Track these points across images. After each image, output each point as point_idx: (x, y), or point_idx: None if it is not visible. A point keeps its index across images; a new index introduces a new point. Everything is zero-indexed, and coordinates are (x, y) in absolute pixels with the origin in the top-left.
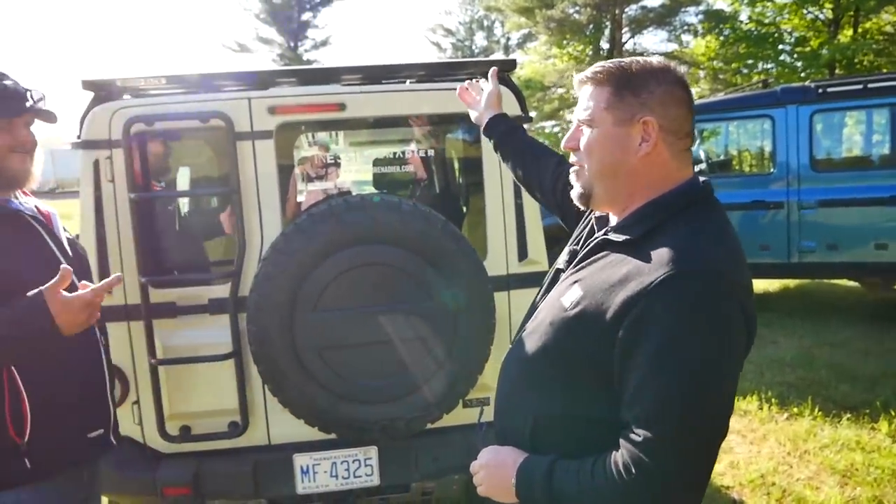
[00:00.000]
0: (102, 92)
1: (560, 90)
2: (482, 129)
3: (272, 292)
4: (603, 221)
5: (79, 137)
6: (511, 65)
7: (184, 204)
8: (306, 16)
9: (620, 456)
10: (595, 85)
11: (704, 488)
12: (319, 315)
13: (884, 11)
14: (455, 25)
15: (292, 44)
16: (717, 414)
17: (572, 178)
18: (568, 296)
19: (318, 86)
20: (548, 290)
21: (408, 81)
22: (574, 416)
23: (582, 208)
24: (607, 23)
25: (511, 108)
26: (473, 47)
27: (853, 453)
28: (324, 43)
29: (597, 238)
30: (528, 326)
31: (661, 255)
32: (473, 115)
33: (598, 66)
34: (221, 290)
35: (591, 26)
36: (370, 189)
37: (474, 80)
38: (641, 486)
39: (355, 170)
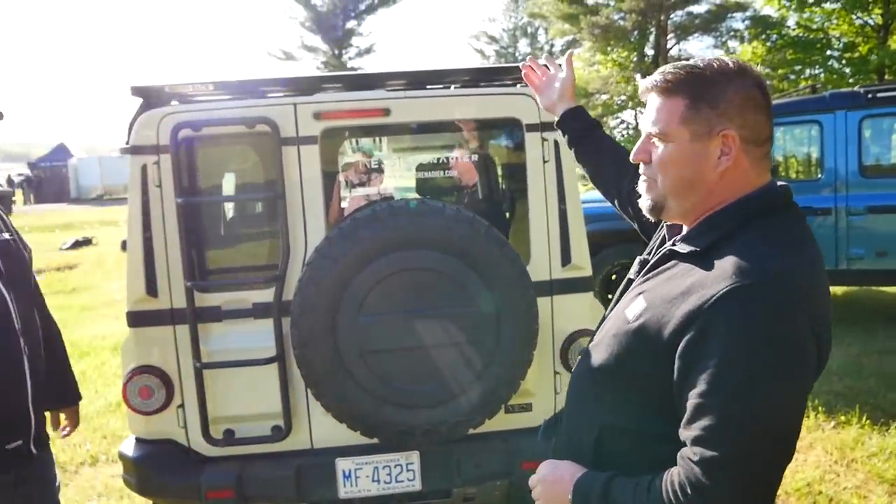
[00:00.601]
0: (151, 98)
1: (604, 96)
2: (556, 121)
3: (316, 296)
4: (674, 230)
5: (127, 143)
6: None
7: (229, 208)
8: (351, 24)
9: (677, 475)
10: (665, 95)
11: None
12: (363, 319)
13: None
14: (499, 32)
15: (337, 51)
16: (779, 436)
17: (642, 188)
18: (632, 308)
19: (362, 91)
20: (618, 301)
21: (452, 87)
22: (637, 430)
23: (652, 220)
24: (652, 29)
25: None
26: (517, 54)
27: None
28: (368, 51)
29: (665, 248)
30: (595, 338)
31: (726, 265)
32: (544, 101)
33: (669, 71)
34: (266, 295)
35: (635, 32)
36: (414, 195)
37: (543, 62)
38: None
39: (399, 176)
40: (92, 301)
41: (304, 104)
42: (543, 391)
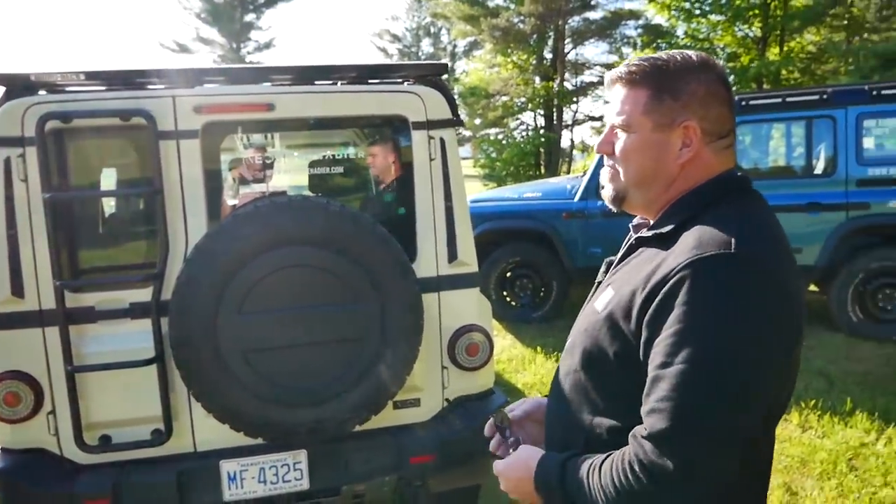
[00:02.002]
0: (15, 87)
1: (504, 98)
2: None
3: (196, 294)
4: (640, 228)
5: None
6: (442, 69)
7: (106, 205)
8: (249, 17)
9: (627, 452)
10: (630, 86)
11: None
12: (245, 318)
13: (806, 32)
14: (402, 31)
15: (234, 45)
16: (740, 412)
17: (604, 179)
18: (601, 299)
19: (246, 85)
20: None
21: (339, 83)
22: (628, 427)
23: (614, 210)
24: (550, 33)
25: (442, 112)
26: (420, 53)
27: None
28: (267, 45)
29: (631, 239)
30: (568, 341)
31: (688, 241)
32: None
33: (633, 63)
34: (143, 294)
35: (534, 36)
36: (306, 192)
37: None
38: (641, 487)
39: (293, 173)
40: None
41: (184, 97)
42: (431, 386)
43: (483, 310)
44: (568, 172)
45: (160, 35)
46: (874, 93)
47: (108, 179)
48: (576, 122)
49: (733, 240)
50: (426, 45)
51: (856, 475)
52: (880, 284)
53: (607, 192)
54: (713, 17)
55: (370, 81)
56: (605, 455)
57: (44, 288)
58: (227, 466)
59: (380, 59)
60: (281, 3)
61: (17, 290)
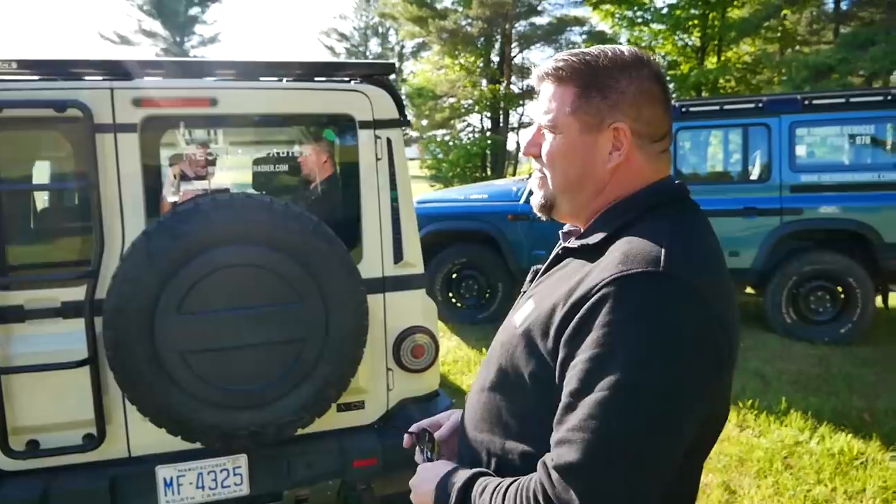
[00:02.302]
0: None
1: (451, 99)
2: None
3: (132, 294)
4: (569, 236)
5: None
6: (389, 68)
7: (38, 200)
8: (194, 10)
9: (534, 480)
10: (557, 83)
11: None
12: (183, 318)
13: (742, 42)
14: (349, 30)
15: (178, 38)
16: (657, 448)
17: (533, 185)
18: (520, 312)
19: (189, 79)
20: None
21: (285, 80)
22: (537, 453)
23: (542, 218)
24: (498, 37)
25: (389, 112)
26: (368, 53)
27: None
28: (212, 40)
29: (558, 248)
30: (487, 352)
31: (615, 255)
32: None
33: (562, 59)
34: (77, 293)
35: (482, 39)
36: (250, 191)
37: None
38: None
39: (237, 170)
40: None
41: (122, 89)
42: (376, 389)
43: (428, 311)
44: (514, 175)
45: (101, 26)
46: (806, 102)
47: (41, 173)
48: (522, 125)
49: (662, 257)
50: (374, 45)
51: (791, 473)
52: (812, 287)
53: (535, 199)
54: (655, 26)
55: (316, 79)
56: (511, 479)
57: None
58: (164, 472)
59: (327, 58)
60: None
61: None
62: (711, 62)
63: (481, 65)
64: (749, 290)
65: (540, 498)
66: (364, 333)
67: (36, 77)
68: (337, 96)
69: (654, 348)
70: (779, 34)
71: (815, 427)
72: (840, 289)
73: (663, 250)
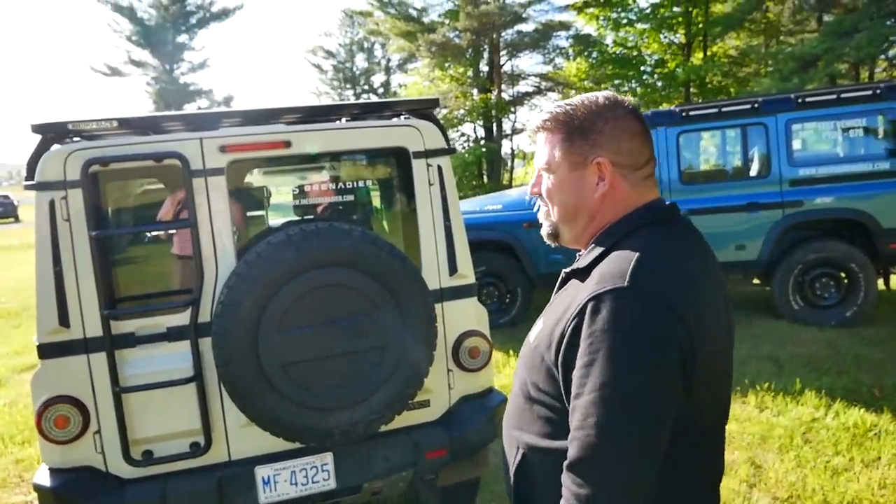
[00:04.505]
0: (52, 134)
1: (444, 110)
2: None
3: (238, 316)
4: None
5: (30, 179)
6: (434, 103)
7: (139, 238)
8: (182, 38)
9: (564, 489)
10: (547, 133)
11: None
12: (282, 334)
13: (727, 37)
14: (335, 47)
15: (168, 66)
16: (637, 435)
17: (541, 217)
18: (533, 331)
19: (263, 125)
20: None
21: (343, 119)
22: (554, 450)
23: (552, 245)
24: (486, 46)
25: (438, 142)
26: (355, 69)
27: (729, 424)
28: (202, 65)
29: (564, 272)
30: (511, 357)
31: (595, 276)
32: None
33: (547, 112)
34: (179, 318)
35: (470, 50)
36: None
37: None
38: None
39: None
40: None
41: (209, 138)
42: (439, 388)
43: (481, 316)
44: (510, 181)
45: (91, 59)
46: (799, 101)
47: (141, 216)
48: (514, 132)
49: (628, 272)
50: (360, 61)
51: (810, 447)
52: (817, 274)
53: (544, 230)
54: (640, 26)
55: (370, 116)
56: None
57: (87, 317)
58: (262, 472)
59: (315, 76)
60: (213, 22)
61: (64, 320)
62: (697, 58)
63: (471, 75)
64: (756, 280)
65: (568, 498)
66: (434, 338)
67: (130, 132)
68: (392, 132)
69: (624, 352)
70: (763, 26)
71: (829, 404)
72: (843, 274)
73: (630, 266)
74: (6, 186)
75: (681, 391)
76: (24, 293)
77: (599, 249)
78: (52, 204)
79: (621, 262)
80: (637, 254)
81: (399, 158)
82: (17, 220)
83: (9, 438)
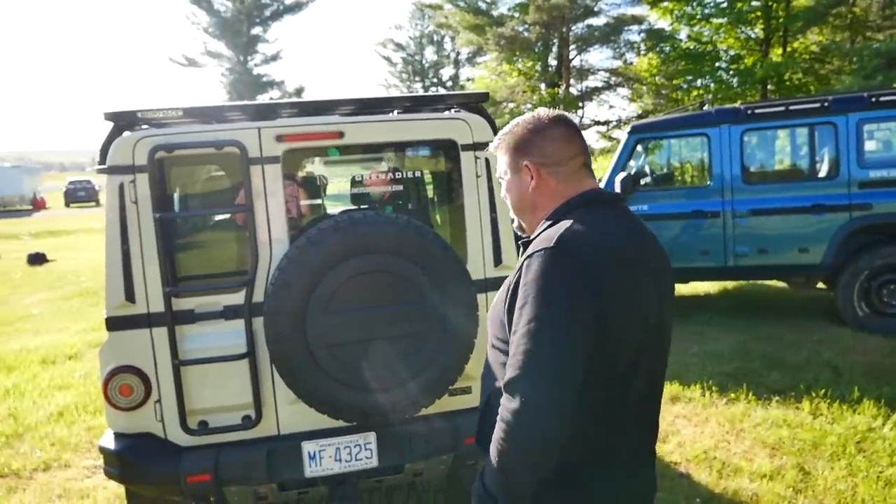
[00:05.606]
0: (123, 122)
1: (511, 105)
2: None
3: (288, 297)
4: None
5: (103, 164)
6: (484, 97)
7: (199, 221)
8: (256, 30)
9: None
10: (499, 149)
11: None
12: (329, 316)
13: (809, 32)
14: (405, 40)
15: (242, 58)
16: (555, 362)
17: (511, 214)
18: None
19: (318, 116)
20: None
21: (395, 111)
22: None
23: (520, 234)
24: (555, 40)
25: (486, 135)
26: (424, 62)
27: (780, 429)
28: (274, 57)
29: (520, 243)
30: None
31: (534, 243)
32: None
33: (497, 136)
34: (234, 298)
35: (539, 44)
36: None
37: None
38: (502, 426)
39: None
40: (6, 316)
41: (267, 128)
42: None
43: None
44: None
45: (170, 50)
46: (873, 99)
47: (202, 199)
48: (582, 127)
49: (555, 237)
50: (430, 54)
51: (864, 456)
52: (885, 281)
53: (515, 224)
54: (715, 21)
55: (422, 109)
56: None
57: (151, 294)
58: (309, 447)
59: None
60: (287, 15)
61: (130, 296)
62: (776, 54)
63: (539, 69)
64: (820, 284)
65: (502, 413)
66: (475, 326)
67: (193, 120)
68: (441, 124)
69: (547, 293)
70: (848, 21)
71: (888, 414)
72: None
73: (558, 233)
74: (89, 171)
75: (592, 330)
76: (103, 274)
77: (545, 224)
78: (121, 187)
79: (552, 232)
80: (566, 225)
81: (448, 151)
82: (97, 203)
83: (82, 408)
